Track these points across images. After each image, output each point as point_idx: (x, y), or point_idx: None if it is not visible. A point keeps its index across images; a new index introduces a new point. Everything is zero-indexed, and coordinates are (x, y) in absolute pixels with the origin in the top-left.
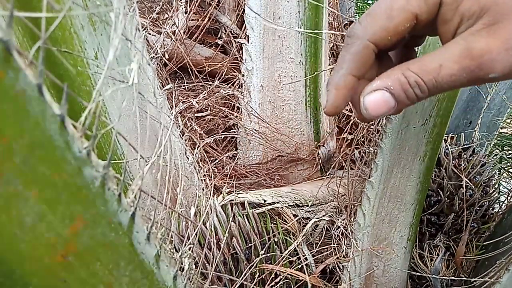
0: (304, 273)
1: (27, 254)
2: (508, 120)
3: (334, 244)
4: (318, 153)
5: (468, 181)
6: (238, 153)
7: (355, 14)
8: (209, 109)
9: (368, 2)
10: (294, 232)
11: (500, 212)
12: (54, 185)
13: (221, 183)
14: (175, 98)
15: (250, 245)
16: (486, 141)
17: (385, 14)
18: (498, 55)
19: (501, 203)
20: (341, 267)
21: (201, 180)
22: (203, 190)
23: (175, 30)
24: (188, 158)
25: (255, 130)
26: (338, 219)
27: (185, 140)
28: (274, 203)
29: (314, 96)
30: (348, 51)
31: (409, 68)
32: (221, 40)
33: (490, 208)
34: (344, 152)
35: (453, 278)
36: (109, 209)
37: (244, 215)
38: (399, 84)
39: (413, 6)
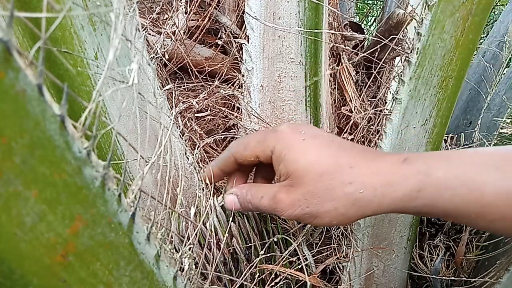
0: (304, 273)
1: (27, 254)
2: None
3: (334, 244)
4: None
5: None
6: None
7: (355, 14)
8: (209, 109)
9: (368, 2)
10: (294, 232)
11: None
12: (54, 185)
13: (221, 183)
14: (175, 98)
15: (250, 245)
16: (486, 141)
17: (243, 145)
18: (286, 207)
19: None
20: (341, 267)
21: (201, 180)
22: (203, 190)
23: (175, 30)
24: (188, 159)
25: (255, 130)
26: None
27: (185, 140)
28: None
29: (314, 96)
30: (224, 153)
31: (250, 190)
32: (221, 40)
33: None
34: None
35: (453, 278)
36: (109, 209)
37: (244, 215)
38: (241, 197)
39: (256, 150)
